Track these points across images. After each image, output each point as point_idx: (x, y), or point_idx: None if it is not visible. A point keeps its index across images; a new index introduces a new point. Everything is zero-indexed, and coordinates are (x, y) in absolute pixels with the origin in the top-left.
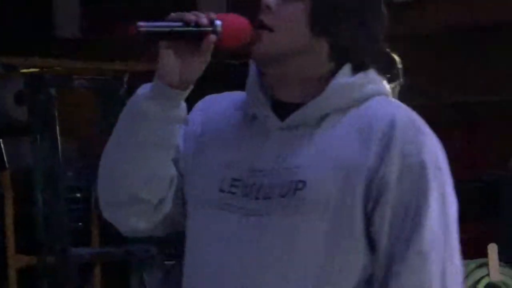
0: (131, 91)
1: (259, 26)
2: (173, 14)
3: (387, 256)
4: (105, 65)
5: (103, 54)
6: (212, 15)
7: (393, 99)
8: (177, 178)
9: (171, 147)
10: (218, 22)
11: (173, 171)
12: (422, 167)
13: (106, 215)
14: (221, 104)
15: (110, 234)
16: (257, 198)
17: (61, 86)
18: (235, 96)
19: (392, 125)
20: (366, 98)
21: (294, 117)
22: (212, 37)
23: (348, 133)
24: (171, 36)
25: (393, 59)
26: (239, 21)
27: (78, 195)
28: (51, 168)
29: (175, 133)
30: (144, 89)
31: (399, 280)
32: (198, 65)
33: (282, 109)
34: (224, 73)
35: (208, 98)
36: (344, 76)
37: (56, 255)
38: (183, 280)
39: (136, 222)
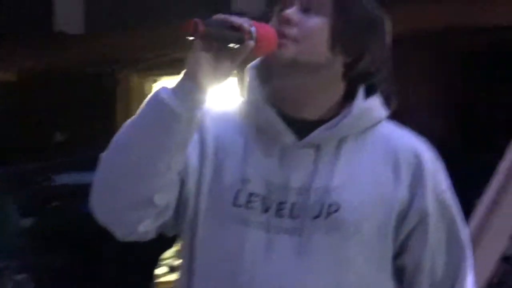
0: None
1: (282, 37)
2: (219, 16)
3: (432, 276)
4: None
5: None
6: (249, 21)
7: (395, 125)
8: (179, 185)
9: (186, 150)
10: (253, 29)
11: (176, 176)
12: (447, 193)
13: (106, 218)
14: (226, 115)
15: None
16: (280, 216)
17: None
18: (237, 108)
19: (417, 156)
20: (377, 122)
21: (316, 136)
22: (251, 43)
23: (375, 158)
24: (221, 38)
25: (394, 86)
26: (269, 30)
27: None
28: None
29: (192, 135)
30: (166, 91)
31: None
32: (229, 69)
33: (294, 125)
34: (79, 80)
35: (211, 107)
36: (362, 98)
37: None
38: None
39: (142, 227)
